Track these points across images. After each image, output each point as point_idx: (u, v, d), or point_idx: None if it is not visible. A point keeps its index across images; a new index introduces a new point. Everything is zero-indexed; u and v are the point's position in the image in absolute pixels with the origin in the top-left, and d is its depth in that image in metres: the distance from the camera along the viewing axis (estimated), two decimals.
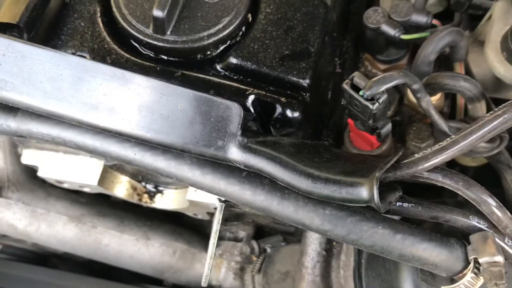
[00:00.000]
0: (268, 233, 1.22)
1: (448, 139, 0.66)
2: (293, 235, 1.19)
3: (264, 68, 0.82)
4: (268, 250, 1.19)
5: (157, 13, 0.78)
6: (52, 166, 1.02)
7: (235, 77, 0.82)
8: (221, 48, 0.83)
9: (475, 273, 0.64)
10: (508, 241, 0.67)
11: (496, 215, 0.66)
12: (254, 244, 1.19)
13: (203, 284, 0.83)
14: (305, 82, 0.82)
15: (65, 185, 1.08)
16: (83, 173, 1.00)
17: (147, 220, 1.19)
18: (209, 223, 1.17)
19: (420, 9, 0.94)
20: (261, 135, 0.71)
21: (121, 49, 0.82)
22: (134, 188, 1.07)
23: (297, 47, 0.83)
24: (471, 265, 0.65)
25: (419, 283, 0.76)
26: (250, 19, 0.85)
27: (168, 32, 0.80)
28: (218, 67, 0.83)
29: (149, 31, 0.81)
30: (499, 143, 0.84)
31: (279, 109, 0.80)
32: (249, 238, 1.18)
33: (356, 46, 1.02)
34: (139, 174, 1.08)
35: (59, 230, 1.13)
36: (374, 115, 0.75)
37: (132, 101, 0.68)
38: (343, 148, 0.94)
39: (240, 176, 0.69)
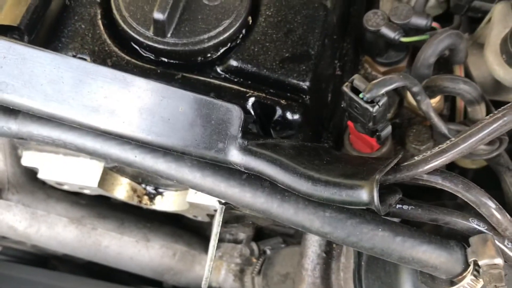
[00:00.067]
0: (267, 235, 1.22)
1: (448, 141, 0.66)
2: (293, 237, 1.19)
3: (264, 70, 0.82)
4: (268, 252, 1.19)
5: (158, 15, 0.78)
6: (52, 168, 1.02)
7: (236, 80, 0.83)
8: (222, 50, 0.83)
9: (474, 275, 0.65)
10: (507, 244, 0.68)
11: (495, 217, 0.66)
12: (254, 246, 1.19)
13: (203, 286, 0.83)
14: (305, 85, 0.82)
15: (65, 187, 1.08)
16: (83, 175, 1.00)
17: (147, 222, 1.19)
18: (209, 225, 1.18)
19: (419, 12, 0.94)
20: (261, 138, 0.71)
21: (121, 52, 0.82)
22: (134, 190, 1.07)
23: (297, 50, 0.84)
24: (471, 267, 0.65)
25: (419, 285, 0.76)
26: (251, 21, 0.85)
27: (169, 35, 0.81)
28: (219, 69, 0.83)
29: (150, 33, 0.81)
30: (499, 146, 0.84)
31: (279, 111, 0.80)
32: (248, 240, 1.18)
33: (356, 49, 1.02)
34: (139, 176, 1.08)
35: (59, 232, 1.13)
36: (374, 118, 0.75)
37: (133, 104, 0.68)
38: (343, 151, 0.94)
39: (240, 179, 0.69)
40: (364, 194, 0.60)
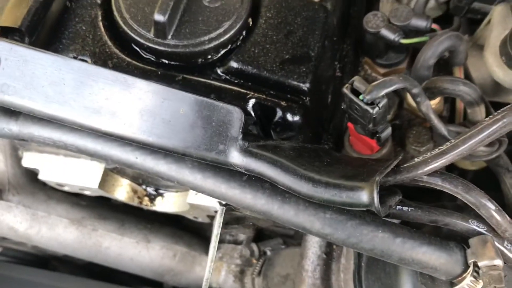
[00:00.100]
0: (268, 236, 1.22)
1: (447, 143, 0.66)
2: (293, 238, 1.19)
3: (265, 72, 0.82)
4: (268, 253, 1.19)
5: (158, 17, 0.78)
6: (53, 169, 1.02)
7: (236, 81, 0.83)
8: (222, 52, 0.83)
9: (474, 277, 0.65)
10: (507, 245, 0.68)
11: (495, 218, 0.66)
12: (254, 247, 1.19)
13: (204, 287, 0.83)
14: (305, 86, 0.82)
15: (66, 188, 1.08)
16: (83, 176, 1.01)
17: (148, 223, 1.19)
18: (209, 226, 1.18)
19: (419, 14, 0.95)
20: (262, 139, 0.71)
21: (122, 53, 0.82)
22: (135, 191, 1.07)
23: (298, 51, 0.84)
24: (471, 268, 0.65)
25: (419, 286, 0.76)
26: (251, 23, 0.85)
27: (169, 36, 0.81)
28: (219, 71, 0.83)
29: (150, 35, 0.81)
30: (498, 147, 0.84)
31: (279, 113, 0.80)
32: (249, 241, 1.18)
33: (356, 50, 1.03)
34: (139, 177, 1.08)
35: (59, 233, 1.13)
36: (374, 119, 0.75)
37: (134, 106, 0.68)
38: (343, 152, 0.94)
39: (241, 180, 0.69)
40: (365, 195, 0.60)
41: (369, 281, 0.84)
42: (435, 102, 0.91)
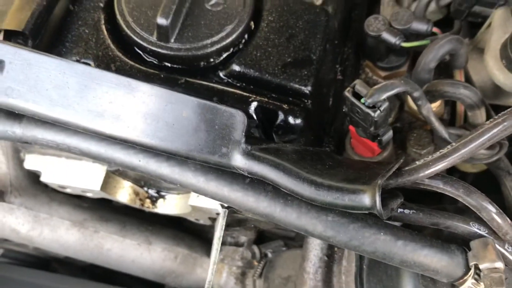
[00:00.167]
0: (269, 238, 1.22)
1: (448, 146, 0.67)
2: (294, 240, 1.19)
3: (267, 75, 0.83)
4: (269, 255, 1.19)
5: (161, 21, 0.79)
6: (55, 171, 1.02)
7: (238, 84, 0.83)
8: (224, 55, 0.84)
9: (475, 279, 0.65)
10: (508, 247, 0.68)
11: (496, 221, 0.67)
12: (255, 249, 1.19)
13: None
14: (307, 89, 0.83)
15: (68, 190, 1.09)
16: (85, 178, 1.01)
17: (149, 225, 1.19)
18: (211, 228, 1.18)
19: (420, 17, 0.95)
20: (264, 142, 0.72)
21: (125, 56, 0.83)
22: (137, 193, 1.08)
23: (299, 55, 0.84)
24: (472, 271, 0.66)
25: None
26: (253, 27, 0.86)
27: (172, 40, 0.81)
28: (221, 74, 0.84)
29: (153, 38, 0.81)
30: (499, 150, 0.85)
31: (281, 116, 0.81)
32: (250, 243, 1.18)
33: (357, 53, 1.03)
34: (141, 179, 1.08)
35: (61, 234, 1.14)
36: (376, 123, 0.76)
37: (137, 109, 0.68)
38: (344, 155, 0.95)
39: (243, 183, 0.70)
40: (367, 198, 0.61)
41: (371, 284, 0.84)
42: (435, 105, 0.91)
